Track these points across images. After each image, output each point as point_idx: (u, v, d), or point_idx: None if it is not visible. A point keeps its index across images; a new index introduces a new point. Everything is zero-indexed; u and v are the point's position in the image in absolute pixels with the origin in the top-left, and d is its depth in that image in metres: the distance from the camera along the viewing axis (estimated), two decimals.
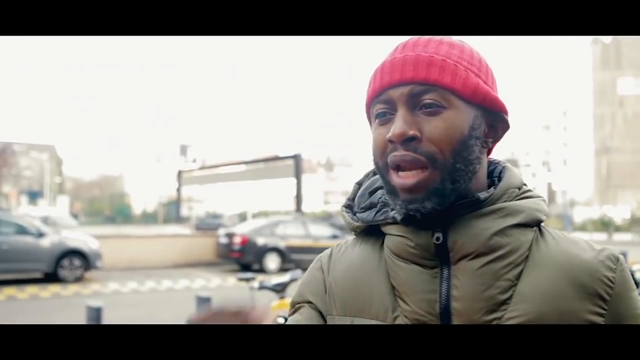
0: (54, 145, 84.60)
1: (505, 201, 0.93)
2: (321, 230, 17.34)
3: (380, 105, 0.92)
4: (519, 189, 0.96)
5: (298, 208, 19.35)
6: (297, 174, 19.14)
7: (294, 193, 19.65)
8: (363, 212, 1.02)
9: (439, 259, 0.91)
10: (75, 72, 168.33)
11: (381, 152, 0.92)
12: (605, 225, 38.05)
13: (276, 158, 22.02)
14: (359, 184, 1.06)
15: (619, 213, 43.89)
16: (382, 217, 0.97)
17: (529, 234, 0.92)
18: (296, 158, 19.31)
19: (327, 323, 1.00)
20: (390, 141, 0.89)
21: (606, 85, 77.71)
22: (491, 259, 0.88)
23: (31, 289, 12.27)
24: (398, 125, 0.88)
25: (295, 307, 1.05)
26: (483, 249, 0.89)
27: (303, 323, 1.01)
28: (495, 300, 0.88)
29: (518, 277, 0.89)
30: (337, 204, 67.20)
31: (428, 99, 0.88)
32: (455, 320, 0.89)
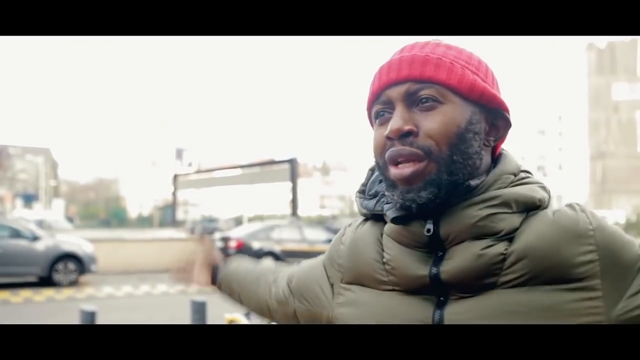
0: (49, 149, 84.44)
1: (499, 188, 0.92)
2: (317, 235, 17.33)
3: (379, 106, 0.95)
4: (515, 175, 0.95)
5: (294, 212, 19.33)
6: (293, 178, 19.12)
7: (290, 197, 19.63)
8: (370, 199, 1.06)
9: (432, 246, 0.93)
10: (71, 74, 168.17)
11: (380, 150, 0.94)
12: None
13: (272, 162, 22.02)
14: (372, 170, 1.09)
15: (614, 218, 43.97)
16: (380, 208, 1.01)
17: (518, 218, 0.91)
18: (292, 162, 19.30)
19: (333, 291, 1.09)
20: (389, 138, 0.91)
21: (601, 91, 78.06)
22: (486, 246, 0.89)
23: (25, 293, 12.21)
24: (395, 122, 0.90)
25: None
26: (475, 236, 0.90)
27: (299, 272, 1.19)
28: (489, 268, 0.88)
29: (509, 246, 0.90)
30: (333, 208, 67.18)
31: (424, 94, 0.90)
32: (447, 286, 0.90)
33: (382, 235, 1.01)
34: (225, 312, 6.16)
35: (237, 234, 16.95)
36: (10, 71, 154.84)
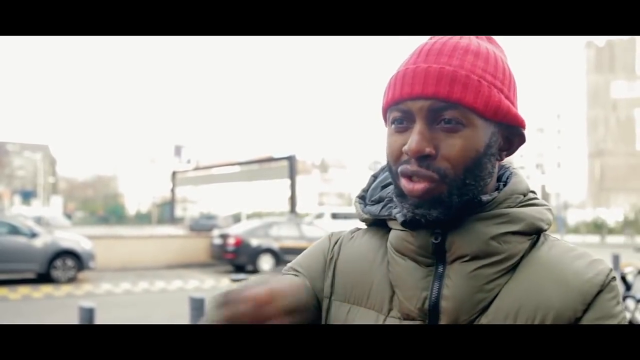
0: (47, 145, 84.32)
1: (508, 206, 0.93)
2: (315, 232, 17.34)
3: (398, 114, 0.91)
4: (525, 195, 0.96)
5: (292, 209, 19.33)
6: (292, 175, 19.11)
7: (288, 194, 19.63)
8: (373, 205, 1.04)
9: (436, 257, 0.92)
10: (69, 72, 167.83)
11: (395, 159, 0.91)
12: (598, 227, 38.18)
13: (270, 159, 21.99)
14: (375, 177, 1.07)
15: (612, 216, 44.02)
16: (386, 213, 0.99)
17: (526, 242, 0.92)
18: (290, 159, 19.28)
19: (323, 306, 1.03)
20: (406, 153, 0.89)
21: (599, 89, 78.04)
22: (485, 264, 0.90)
23: (23, 290, 12.21)
24: (415, 140, 0.87)
25: (287, 272, 1.07)
26: (479, 252, 0.90)
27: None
28: (484, 304, 0.90)
29: (507, 282, 0.91)
30: (331, 206, 67.26)
31: (448, 116, 0.87)
32: (443, 319, 0.91)
33: (387, 255, 1.00)
34: None
35: (235, 230, 16.96)
36: (9, 68, 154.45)
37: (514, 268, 0.91)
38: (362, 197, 1.07)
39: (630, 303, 5.98)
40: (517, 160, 79.65)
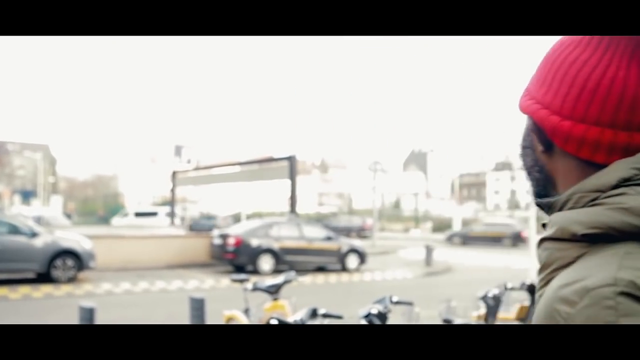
0: (47, 145, 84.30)
1: (570, 208, 0.82)
2: (315, 232, 17.35)
3: None
4: (603, 191, 0.79)
5: (292, 209, 19.33)
6: (292, 176, 19.12)
7: (288, 194, 19.64)
8: None
9: None
10: (69, 71, 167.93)
11: None
12: None
13: (271, 159, 22.00)
14: None
15: None
16: None
17: (573, 250, 0.79)
18: (291, 159, 19.29)
19: None
20: None
21: None
22: (538, 271, 0.86)
23: (23, 289, 12.22)
24: None
25: None
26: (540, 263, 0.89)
27: None
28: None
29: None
30: (331, 206, 67.19)
31: None
32: None
33: None
34: (224, 309, 6.17)
35: (235, 231, 16.96)
36: (9, 68, 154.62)
37: (550, 281, 0.81)
38: None
39: None
40: (518, 160, 79.50)
